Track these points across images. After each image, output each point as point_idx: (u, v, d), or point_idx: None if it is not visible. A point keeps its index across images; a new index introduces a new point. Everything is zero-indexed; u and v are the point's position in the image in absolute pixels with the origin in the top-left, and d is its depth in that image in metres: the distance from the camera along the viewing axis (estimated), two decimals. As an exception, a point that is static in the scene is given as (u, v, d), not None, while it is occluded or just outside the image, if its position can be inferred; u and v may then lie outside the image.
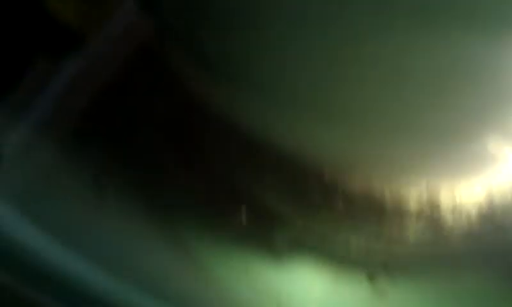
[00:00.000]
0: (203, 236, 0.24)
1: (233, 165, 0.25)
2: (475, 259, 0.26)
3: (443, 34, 0.19)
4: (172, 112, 0.27)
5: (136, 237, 0.22)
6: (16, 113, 0.26)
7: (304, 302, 0.23)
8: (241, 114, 0.25)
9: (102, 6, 0.28)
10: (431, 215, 0.24)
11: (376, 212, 0.24)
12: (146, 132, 0.26)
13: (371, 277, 0.23)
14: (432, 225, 0.25)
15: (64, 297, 0.17)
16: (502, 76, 0.21)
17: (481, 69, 0.20)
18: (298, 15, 0.21)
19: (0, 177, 0.22)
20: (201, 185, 0.26)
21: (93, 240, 0.20)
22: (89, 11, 0.29)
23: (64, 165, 0.23)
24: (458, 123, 0.22)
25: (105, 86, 0.28)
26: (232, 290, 0.22)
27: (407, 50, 0.20)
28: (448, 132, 0.23)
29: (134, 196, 0.24)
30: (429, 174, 0.24)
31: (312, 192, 0.24)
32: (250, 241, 0.23)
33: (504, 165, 0.23)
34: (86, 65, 0.28)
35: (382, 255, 0.24)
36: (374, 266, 0.23)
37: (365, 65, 0.21)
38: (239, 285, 0.22)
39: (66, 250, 0.18)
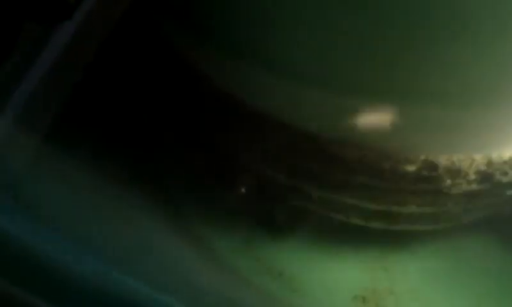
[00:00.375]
0: (202, 210, 0.24)
1: (231, 135, 0.25)
2: (474, 218, 0.26)
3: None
4: (169, 84, 0.26)
5: (134, 213, 0.22)
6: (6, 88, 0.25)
7: (304, 275, 0.23)
8: (239, 84, 0.25)
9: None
10: (430, 176, 0.24)
11: (376, 181, 0.24)
12: (142, 106, 0.25)
13: (371, 248, 0.23)
14: (430, 187, 0.25)
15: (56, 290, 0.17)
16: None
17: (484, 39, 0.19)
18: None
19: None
20: (200, 155, 0.26)
21: (90, 223, 0.20)
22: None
23: (56, 147, 0.23)
24: (458, 90, 0.22)
25: (97, 55, 0.27)
26: (231, 262, 0.23)
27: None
28: (448, 98, 0.22)
29: (131, 173, 0.24)
30: (428, 138, 0.24)
31: (311, 162, 0.24)
32: (250, 214, 0.23)
33: (500, 126, 0.23)
34: (76, 32, 0.27)
35: (381, 224, 0.24)
36: (374, 234, 0.24)
37: (362, 33, 0.20)
38: (238, 258, 0.23)
39: (62, 240, 0.18)
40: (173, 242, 0.22)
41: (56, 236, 0.18)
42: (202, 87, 0.24)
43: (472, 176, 0.23)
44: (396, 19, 0.19)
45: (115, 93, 0.26)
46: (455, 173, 0.23)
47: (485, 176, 0.24)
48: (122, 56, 0.26)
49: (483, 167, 0.23)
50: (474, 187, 0.24)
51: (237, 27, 0.23)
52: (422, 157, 0.23)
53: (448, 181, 0.24)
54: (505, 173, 0.24)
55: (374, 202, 0.25)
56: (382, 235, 0.27)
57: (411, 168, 0.24)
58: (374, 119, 0.23)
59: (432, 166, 0.23)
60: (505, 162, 0.23)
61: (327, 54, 0.22)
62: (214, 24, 0.24)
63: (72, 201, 0.21)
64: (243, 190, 0.24)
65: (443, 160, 0.23)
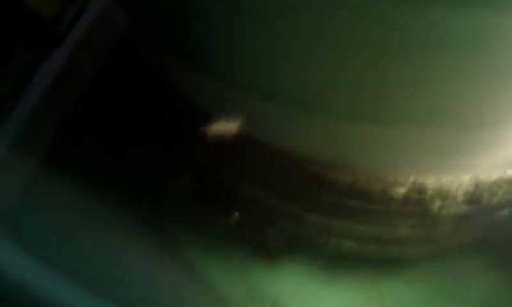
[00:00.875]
0: (194, 237, 0.24)
1: (222, 161, 0.25)
2: (466, 240, 0.26)
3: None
4: (158, 108, 0.27)
5: (124, 242, 0.22)
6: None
7: (298, 303, 0.23)
8: (228, 109, 0.25)
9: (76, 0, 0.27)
10: (419, 200, 0.25)
11: (366, 204, 0.24)
12: (132, 132, 0.26)
13: (365, 275, 0.23)
14: (420, 209, 0.25)
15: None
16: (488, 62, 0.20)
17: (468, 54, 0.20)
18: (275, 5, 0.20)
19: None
20: (191, 180, 0.26)
21: (78, 251, 0.20)
22: (64, 5, 0.28)
23: (47, 173, 0.23)
24: (444, 112, 0.22)
25: (87, 82, 0.28)
26: (224, 291, 0.23)
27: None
28: (435, 120, 0.22)
29: (122, 200, 0.24)
30: (416, 161, 0.24)
31: (302, 186, 0.24)
32: (242, 241, 0.23)
33: (489, 149, 0.23)
34: (67, 61, 0.27)
35: (374, 249, 0.24)
36: (367, 260, 0.24)
37: (354, 59, 0.21)
38: (231, 286, 0.23)
39: (52, 269, 0.18)
40: (164, 270, 0.22)
41: (44, 267, 0.18)
42: (193, 114, 0.25)
43: (461, 198, 0.24)
44: (373, 49, 0.20)
45: (106, 118, 0.26)
46: (444, 194, 0.24)
47: (474, 197, 0.24)
48: (116, 81, 0.27)
49: (471, 188, 0.23)
50: (464, 208, 0.24)
51: (225, 53, 0.23)
52: (411, 179, 0.23)
53: (438, 203, 0.24)
54: (494, 194, 0.24)
55: (365, 226, 0.25)
56: (375, 259, 0.27)
57: (401, 191, 0.24)
58: (364, 142, 0.23)
59: (422, 188, 0.24)
60: (493, 183, 0.24)
61: (314, 80, 0.22)
62: (201, 49, 0.24)
63: (62, 230, 0.21)
64: (234, 215, 0.24)
65: (432, 181, 0.23)
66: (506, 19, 0.17)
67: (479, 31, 0.18)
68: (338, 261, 0.26)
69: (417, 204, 0.24)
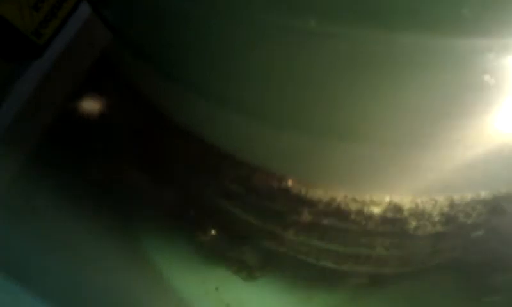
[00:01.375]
0: (169, 254, 0.23)
1: (199, 178, 0.25)
2: (441, 261, 0.27)
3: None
4: (134, 121, 0.27)
5: (95, 254, 0.22)
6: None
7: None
8: (206, 125, 0.25)
9: (58, 14, 0.27)
10: (395, 219, 0.25)
11: (343, 223, 0.24)
12: (108, 147, 0.26)
13: (341, 293, 0.23)
14: (396, 229, 0.25)
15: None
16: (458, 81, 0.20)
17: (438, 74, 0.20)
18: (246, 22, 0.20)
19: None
20: (167, 196, 0.26)
21: (46, 264, 0.20)
22: (45, 19, 0.28)
23: (22, 189, 0.22)
24: (417, 130, 0.22)
25: (65, 95, 0.28)
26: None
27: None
28: (407, 138, 0.23)
29: (93, 210, 0.23)
30: (391, 181, 0.24)
31: (279, 203, 0.24)
32: (219, 258, 0.23)
33: (462, 168, 0.24)
34: (46, 75, 0.27)
35: (351, 268, 0.24)
36: (344, 279, 0.24)
37: (327, 78, 0.21)
38: (208, 303, 0.22)
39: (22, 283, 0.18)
40: (137, 287, 0.22)
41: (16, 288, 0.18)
42: (171, 129, 0.25)
43: (436, 218, 0.24)
44: (346, 69, 0.20)
45: (83, 132, 0.26)
46: (419, 214, 0.24)
47: (449, 218, 0.24)
48: (94, 96, 0.26)
49: (446, 209, 0.24)
50: (439, 228, 0.24)
51: (203, 70, 0.24)
52: (387, 199, 0.23)
53: (413, 223, 0.25)
54: (469, 215, 0.25)
55: (342, 244, 0.25)
56: (352, 278, 0.27)
57: (376, 210, 0.24)
58: (340, 161, 0.24)
59: (397, 208, 0.24)
60: (467, 204, 0.24)
61: (291, 98, 0.22)
62: (180, 65, 0.24)
63: (36, 248, 0.21)
64: (212, 231, 0.24)
65: (407, 201, 0.23)
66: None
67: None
68: (316, 278, 0.26)
69: (393, 224, 0.24)
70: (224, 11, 0.20)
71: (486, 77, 0.17)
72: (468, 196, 0.23)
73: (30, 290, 0.17)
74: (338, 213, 0.24)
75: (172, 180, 0.25)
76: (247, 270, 0.26)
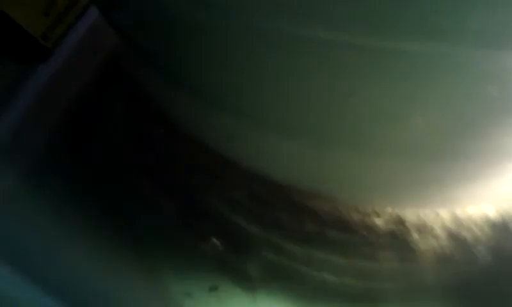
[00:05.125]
0: (171, 261, 0.23)
1: (203, 184, 0.25)
2: (443, 278, 0.26)
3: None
4: (142, 129, 0.27)
5: (102, 265, 0.22)
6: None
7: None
8: (212, 133, 0.25)
9: (66, 18, 0.28)
10: (397, 232, 0.25)
11: (346, 234, 0.24)
12: (114, 153, 0.26)
13: (341, 304, 0.23)
14: (399, 242, 0.25)
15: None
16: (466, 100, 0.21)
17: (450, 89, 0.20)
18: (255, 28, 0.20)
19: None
20: (170, 204, 0.26)
21: (55, 270, 0.20)
22: (54, 22, 0.28)
23: (27, 192, 0.22)
24: (424, 145, 0.22)
25: (71, 101, 0.28)
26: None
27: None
28: (411, 150, 0.23)
29: (100, 222, 0.23)
30: (396, 195, 0.24)
31: (281, 213, 0.24)
32: (221, 268, 0.23)
33: (465, 181, 0.24)
34: (53, 78, 0.28)
35: (352, 281, 0.24)
36: (345, 292, 0.24)
37: (336, 85, 0.21)
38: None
39: (27, 284, 0.18)
40: (139, 293, 0.22)
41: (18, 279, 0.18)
42: (175, 136, 0.25)
43: (438, 231, 0.24)
44: (353, 80, 0.20)
45: (90, 137, 0.26)
46: (421, 227, 0.24)
47: (451, 232, 0.24)
48: (101, 100, 0.27)
49: (448, 223, 0.24)
50: (441, 242, 0.24)
51: (211, 78, 0.24)
52: (389, 210, 0.23)
53: (416, 236, 0.24)
54: (471, 230, 0.25)
55: (345, 256, 0.25)
56: (353, 291, 0.26)
57: (379, 221, 0.24)
58: (343, 171, 0.24)
59: (399, 220, 0.24)
60: (469, 219, 0.24)
61: (296, 109, 0.23)
62: (189, 72, 0.24)
63: (37, 247, 0.21)
64: (213, 242, 0.24)
65: (409, 214, 0.23)
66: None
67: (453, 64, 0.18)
68: (317, 290, 0.26)
69: (395, 236, 0.24)
70: (238, 21, 0.20)
71: (492, 89, 0.18)
72: (471, 210, 0.23)
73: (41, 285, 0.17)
74: (340, 223, 0.24)
75: (174, 187, 0.25)
76: (247, 280, 0.25)
